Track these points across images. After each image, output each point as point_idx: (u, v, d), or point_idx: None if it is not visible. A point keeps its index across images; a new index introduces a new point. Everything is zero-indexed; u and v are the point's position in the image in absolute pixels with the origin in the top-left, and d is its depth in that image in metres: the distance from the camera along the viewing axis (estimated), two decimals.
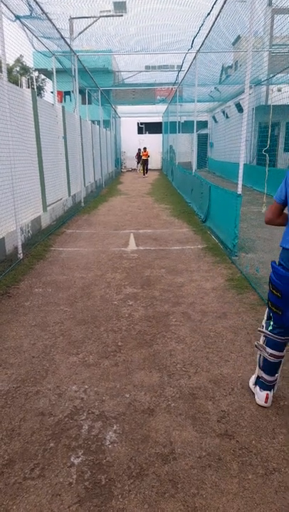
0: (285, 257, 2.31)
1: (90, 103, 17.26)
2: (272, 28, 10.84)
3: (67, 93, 20.15)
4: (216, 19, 7.94)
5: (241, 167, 5.73)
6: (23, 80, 9.36)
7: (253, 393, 2.67)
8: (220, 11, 7.47)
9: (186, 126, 16.71)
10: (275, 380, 2.56)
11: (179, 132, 17.06)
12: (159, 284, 4.87)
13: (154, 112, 25.81)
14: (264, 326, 2.54)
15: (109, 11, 11.48)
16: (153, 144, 28.11)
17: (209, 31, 8.76)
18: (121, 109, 26.37)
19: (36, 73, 28.24)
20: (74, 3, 9.18)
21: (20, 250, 5.84)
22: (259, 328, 2.59)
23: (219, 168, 21.86)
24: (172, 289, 4.69)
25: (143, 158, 23.45)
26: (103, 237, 7.49)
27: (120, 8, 11.40)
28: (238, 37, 10.46)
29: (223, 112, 21.49)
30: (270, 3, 8.72)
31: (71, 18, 11.07)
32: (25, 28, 8.50)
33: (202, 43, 9.77)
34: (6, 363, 3.13)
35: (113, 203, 12.48)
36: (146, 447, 2.24)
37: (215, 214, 7.63)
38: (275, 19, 9.72)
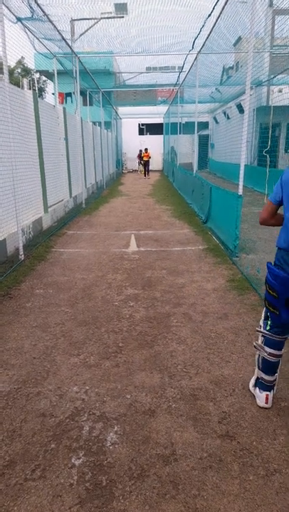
0: (281, 257, 2.34)
1: (91, 104, 17.29)
2: (273, 29, 10.86)
3: (69, 94, 20.18)
4: (216, 20, 7.95)
5: (242, 168, 5.74)
6: (25, 81, 9.41)
7: (254, 395, 2.67)
8: (221, 12, 7.48)
9: (187, 127, 16.72)
10: (275, 380, 2.57)
11: (180, 133, 17.08)
12: (160, 285, 4.87)
13: (155, 113, 25.84)
14: (262, 325, 2.56)
15: (111, 12, 11.52)
16: (154, 145, 28.13)
17: (210, 32, 8.77)
18: (122, 110, 26.40)
19: (37, 75, 28.29)
20: (75, 5, 9.22)
21: (21, 251, 5.85)
22: (257, 328, 2.61)
23: (220, 169, 21.86)
24: (173, 290, 4.69)
25: (144, 159, 23.43)
26: (104, 238, 7.49)
27: (121, 9, 11.44)
28: (239, 38, 10.47)
29: (224, 113, 21.51)
30: (271, 4, 8.72)
31: (72, 20, 11.11)
32: (27, 30, 8.53)
33: (203, 44, 9.78)
34: (7, 364, 3.13)
35: (114, 204, 12.49)
36: (147, 448, 2.24)
37: (216, 215, 7.63)
38: (275, 20, 9.74)
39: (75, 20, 11.31)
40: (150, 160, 24.09)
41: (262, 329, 2.53)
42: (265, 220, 2.47)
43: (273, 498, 1.93)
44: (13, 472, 2.09)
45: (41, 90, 31.00)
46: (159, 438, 2.31)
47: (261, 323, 2.57)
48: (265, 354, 2.49)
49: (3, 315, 4.06)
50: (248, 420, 2.46)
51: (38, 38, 9.30)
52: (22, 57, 24.11)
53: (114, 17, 11.38)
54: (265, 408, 2.56)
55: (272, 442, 2.28)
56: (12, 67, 28.02)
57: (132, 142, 29.13)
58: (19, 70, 29.98)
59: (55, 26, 8.61)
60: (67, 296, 4.55)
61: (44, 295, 4.60)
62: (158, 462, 2.14)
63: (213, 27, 8.38)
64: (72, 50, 10.77)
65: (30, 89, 9.21)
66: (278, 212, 2.46)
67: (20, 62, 28.53)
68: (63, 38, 9.58)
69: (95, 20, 11.27)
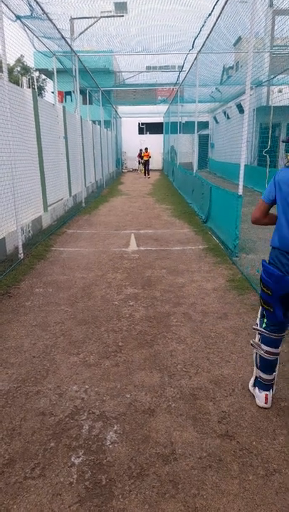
0: (275, 256, 2.39)
1: (90, 103, 17.27)
2: (273, 29, 10.85)
3: (68, 93, 20.18)
4: (217, 20, 7.94)
5: (242, 168, 5.74)
6: (24, 80, 9.38)
7: (254, 395, 2.67)
8: (221, 12, 7.47)
9: (187, 127, 16.72)
10: (273, 379, 2.58)
11: (180, 133, 17.07)
12: (159, 285, 4.87)
13: (155, 113, 25.81)
14: (258, 324, 2.59)
15: (110, 11, 11.50)
16: (154, 144, 28.09)
17: (210, 32, 8.76)
18: (122, 109, 26.37)
19: (37, 73, 28.26)
20: (75, 4, 9.19)
21: (21, 250, 5.84)
22: (254, 326, 2.64)
23: (220, 168, 21.86)
24: (173, 290, 4.69)
25: (144, 158, 23.39)
26: (104, 238, 7.49)
27: (121, 8, 11.42)
28: (239, 38, 10.47)
29: (224, 113, 21.50)
30: (271, 5, 8.73)
31: (72, 19, 11.08)
32: (26, 28, 8.51)
33: (203, 44, 9.78)
34: (7, 363, 3.13)
35: (114, 203, 12.49)
36: (147, 447, 2.24)
37: (216, 215, 7.63)
38: (276, 20, 9.74)
39: (74, 18, 11.29)
40: (150, 159, 24.05)
41: (258, 327, 2.57)
42: (258, 219, 2.53)
43: (273, 497, 1.93)
44: (13, 471, 2.09)
45: (41, 89, 30.96)
46: (159, 437, 2.31)
47: (258, 321, 2.61)
48: (262, 352, 2.52)
49: (2, 314, 4.06)
50: (248, 420, 2.47)
51: (37, 37, 9.29)
52: (21, 55, 24.12)
53: (113, 16, 11.36)
54: (265, 408, 2.56)
55: (271, 442, 2.28)
56: (11, 65, 27.98)
57: (132, 141, 29.10)
58: (18, 69, 29.94)
59: (54, 25, 8.59)
60: (66, 295, 4.55)
61: (44, 294, 4.60)
62: (157, 461, 2.14)
63: (213, 27, 8.37)
64: (71, 49, 10.75)
65: (29, 87, 9.19)
66: (271, 211, 2.51)
67: (19, 61, 28.51)
68: (63, 37, 9.56)
69: (95, 19, 11.24)
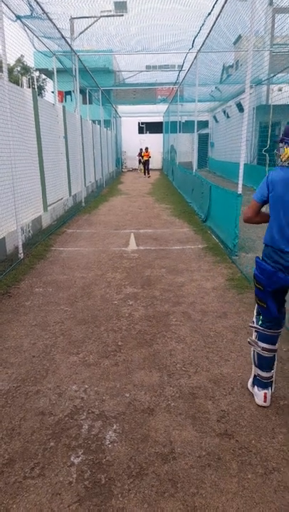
0: (267, 253, 2.45)
1: (90, 103, 17.26)
2: (273, 28, 10.83)
3: (68, 93, 20.13)
4: (216, 19, 7.93)
5: (242, 167, 5.74)
6: (24, 79, 9.37)
7: (253, 393, 2.67)
8: (221, 11, 7.46)
9: (187, 126, 16.70)
10: (271, 376, 2.59)
11: (179, 132, 17.05)
12: (159, 284, 4.87)
13: (154, 112, 25.79)
14: (254, 321, 2.63)
15: (110, 10, 11.48)
16: (154, 143, 28.05)
17: (210, 31, 8.75)
18: (122, 108, 26.35)
19: (37, 73, 28.24)
20: (75, 3, 9.17)
21: (20, 250, 5.85)
22: (250, 324, 2.68)
23: (220, 167, 21.84)
24: (172, 289, 4.69)
25: (144, 158, 23.36)
26: (104, 237, 7.49)
27: (121, 8, 11.41)
28: (239, 36, 10.45)
29: (224, 112, 21.47)
30: (270, 3, 8.70)
31: (72, 18, 11.07)
32: (26, 28, 8.51)
33: (203, 43, 9.76)
34: (7, 363, 3.14)
35: (114, 202, 12.49)
36: (146, 447, 2.24)
37: (215, 214, 7.63)
38: (275, 19, 9.71)
39: (74, 18, 11.28)
40: (150, 159, 24.00)
41: (254, 324, 2.61)
42: (250, 218, 2.58)
43: (272, 496, 1.93)
44: (13, 470, 2.09)
45: (41, 88, 30.95)
46: (158, 436, 2.32)
47: (254, 319, 2.65)
48: (260, 349, 2.55)
49: (2, 313, 4.06)
50: (247, 419, 2.47)
51: (37, 36, 9.29)
52: (21, 55, 24.10)
53: (113, 15, 11.34)
54: (264, 407, 2.57)
55: (270, 441, 2.29)
56: (11, 65, 27.97)
57: (132, 141, 29.07)
58: (18, 68, 29.93)
59: (54, 24, 8.59)
60: (66, 295, 4.56)
61: (43, 294, 4.60)
62: (157, 460, 2.15)
63: (213, 25, 8.36)
64: (71, 49, 10.75)
65: (29, 87, 9.18)
66: (262, 210, 2.56)
67: (19, 61, 28.49)
68: (63, 36, 9.56)
69: (95, 19, 11.24)
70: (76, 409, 2.57)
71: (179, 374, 2.95)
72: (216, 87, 17.06)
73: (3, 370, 3.04)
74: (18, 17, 7.79)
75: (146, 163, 23.44)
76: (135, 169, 28.23)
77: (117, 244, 6.88)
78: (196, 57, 10.61)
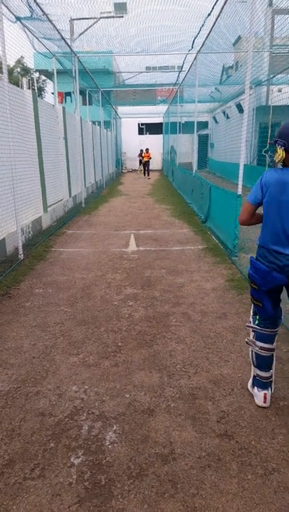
0: (262, 253, 2.49)
1: (90, 104, 17.28)
2: (272, 29, 10.85)
3: (68, 94, 20.17)
4: (216, 20, 7.95)
5: (241, 167, 5.75)
6: (24, 80, 9.39)
7: (252, 394, 2.67)
8: (220, 12, 7.48)
9: (187, 127, 16.71)
10: (271, 376, 2.59)
11: (179, 133, 17.07)
12: (159, 285, 4.87)
13: (154, 113, 25.83)
14: (251, 321, 2.65)
15: (110, 12, 11.51)
16: (154, 144, 28.09)
17: (210, 32, 8.76)
18: (121, 109, 26.39)
19: (37, 74, 28.28)
20: (74, 5, 9.21)
21: (20, 251, 5.85)
22: (247, 324, 2.70)
23: (220, 168, 21.85)
24: (172, 290, 4.70)
25: (144, 159, 23.35)
26: (104, 238, 7.50)
27: (121, 9, 11.43)
28: (239, 37, 10.47)
29: (224, 113, 21.49)
30: (270, 4, 8.72)
31: (72, 20, 11.10)
32: (26, 30, 8.52)
33: (203, 44, 9.78)
34: (7, 364, 3.14)
35: (114, 203, 12.49)
36: (146, 447, 2.24)
37: (215, 214, 7.64)
38: (275, 20, 9.73)
39: (74, 19, 11.30)
40: (150, 160, 23.97)
41: (251, 324, 2.63)
42: (245, 220, 2.60)
43: (272, 497, 1.93)
44: (13, 471, 2.09)
45: (41, 90, 31.00)
46: (158, 437, 2.32)
47: (251, 319, 2.67)
48: (257, 348, 2.57)
49: (2, 314, 4.06)
50: (247, 419, 2.47)
51: (37, 38, 9.30)
52: (21, 56, 24.13)
53: (113, 16, 11.37)
54: (264, 407, 2.57)
55: (270, 441, 2.29)
56: (11, 66, 28.01)
57: (132, 142, 29.11)
58: (18, 70, 29.96)
59: (54, 26, 8.60)
60: (66, 296, 4.56)
61: (43, 294, 4.60)
62: (157, 461, 2.15)
63: (213, 26, 8.38)
64: (71, 50, 10.76)
65: (29, 88, 9.20)
66: (257, 212, 2.57)
67: (19, 62, 28.53)
68: (62, 38, 9.57)
69: (95, 20, 11.26)
70: (76, 409, 2.57)
71: (178, 375, 2.95)
72: (215, 88, 17.08)
73: (4, 371, 3.04)
74: (18, 18, 7.80)
75: (146, 164, 23.43)
76: (135, 170, 28.25)
77: (117, 245, 6.89)
78: (195, 58, 10.63)
